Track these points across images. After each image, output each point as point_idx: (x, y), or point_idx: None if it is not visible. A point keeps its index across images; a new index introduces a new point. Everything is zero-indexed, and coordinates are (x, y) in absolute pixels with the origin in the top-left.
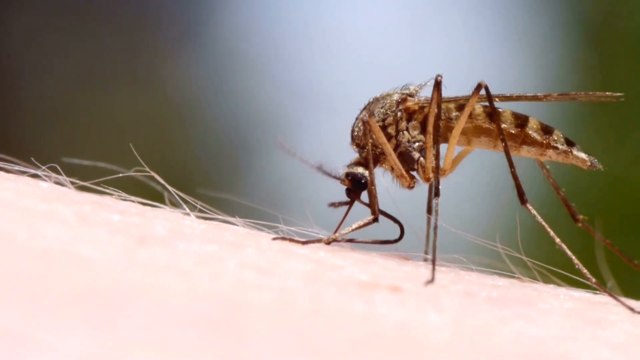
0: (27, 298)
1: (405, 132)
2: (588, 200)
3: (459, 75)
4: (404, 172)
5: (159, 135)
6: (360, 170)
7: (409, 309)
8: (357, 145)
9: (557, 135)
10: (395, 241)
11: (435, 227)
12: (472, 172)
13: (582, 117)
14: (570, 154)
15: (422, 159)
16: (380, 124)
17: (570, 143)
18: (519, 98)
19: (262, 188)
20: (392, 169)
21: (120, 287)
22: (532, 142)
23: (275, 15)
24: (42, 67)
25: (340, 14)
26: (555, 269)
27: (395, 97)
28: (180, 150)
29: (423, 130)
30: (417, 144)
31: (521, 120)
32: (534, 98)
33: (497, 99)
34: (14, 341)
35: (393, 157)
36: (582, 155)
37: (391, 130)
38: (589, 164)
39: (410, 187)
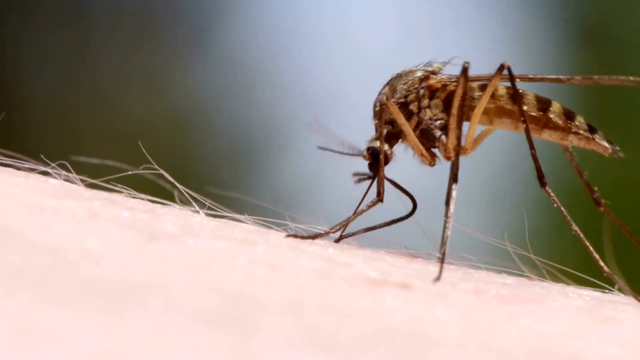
0: (38, 292)
1: (427, 109)
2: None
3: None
4: (424, 151)
5: (168, 135)
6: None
7: (418, 306)
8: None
9: (579, 121)
10: (409, 216)
11: (450, 216)
12: (481, 172)
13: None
14: (592, 140)
15: (443, 137)
16: (402, 100)
17: (592, 130)
18: (541, 79)
19: (270, 187)
20: (413, 147)
21: (130, 281)
22: (554, 126)
23: (280, 19)
24: (54, 67)
25: (351, 21)
26: (563, 268)
27: (419, 74)
28: (189, 150)
29: (445, 108)
30: (439, 121)
31: (544, 104)
32: (557, 80)
33: (518, 79)
34: (25, 335)
35: (413, 137)
36: (604, 142)
37: (413, 107)
38: (610, 151)
39: (431, 165)
